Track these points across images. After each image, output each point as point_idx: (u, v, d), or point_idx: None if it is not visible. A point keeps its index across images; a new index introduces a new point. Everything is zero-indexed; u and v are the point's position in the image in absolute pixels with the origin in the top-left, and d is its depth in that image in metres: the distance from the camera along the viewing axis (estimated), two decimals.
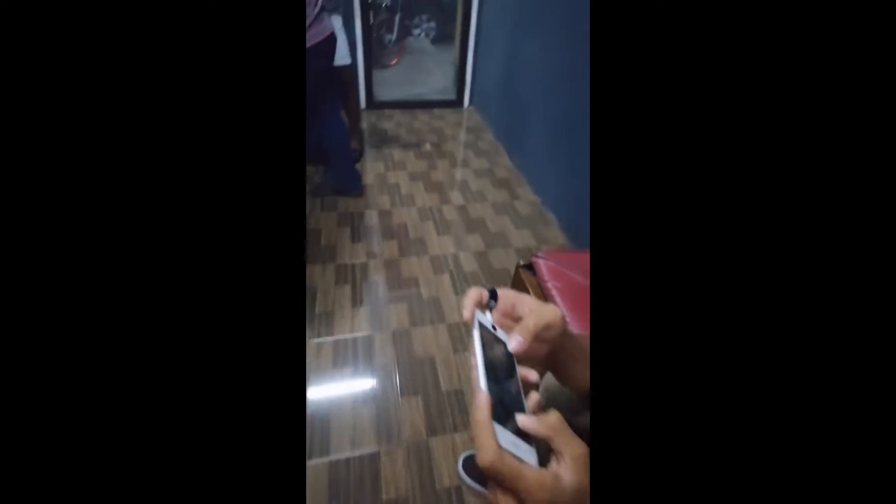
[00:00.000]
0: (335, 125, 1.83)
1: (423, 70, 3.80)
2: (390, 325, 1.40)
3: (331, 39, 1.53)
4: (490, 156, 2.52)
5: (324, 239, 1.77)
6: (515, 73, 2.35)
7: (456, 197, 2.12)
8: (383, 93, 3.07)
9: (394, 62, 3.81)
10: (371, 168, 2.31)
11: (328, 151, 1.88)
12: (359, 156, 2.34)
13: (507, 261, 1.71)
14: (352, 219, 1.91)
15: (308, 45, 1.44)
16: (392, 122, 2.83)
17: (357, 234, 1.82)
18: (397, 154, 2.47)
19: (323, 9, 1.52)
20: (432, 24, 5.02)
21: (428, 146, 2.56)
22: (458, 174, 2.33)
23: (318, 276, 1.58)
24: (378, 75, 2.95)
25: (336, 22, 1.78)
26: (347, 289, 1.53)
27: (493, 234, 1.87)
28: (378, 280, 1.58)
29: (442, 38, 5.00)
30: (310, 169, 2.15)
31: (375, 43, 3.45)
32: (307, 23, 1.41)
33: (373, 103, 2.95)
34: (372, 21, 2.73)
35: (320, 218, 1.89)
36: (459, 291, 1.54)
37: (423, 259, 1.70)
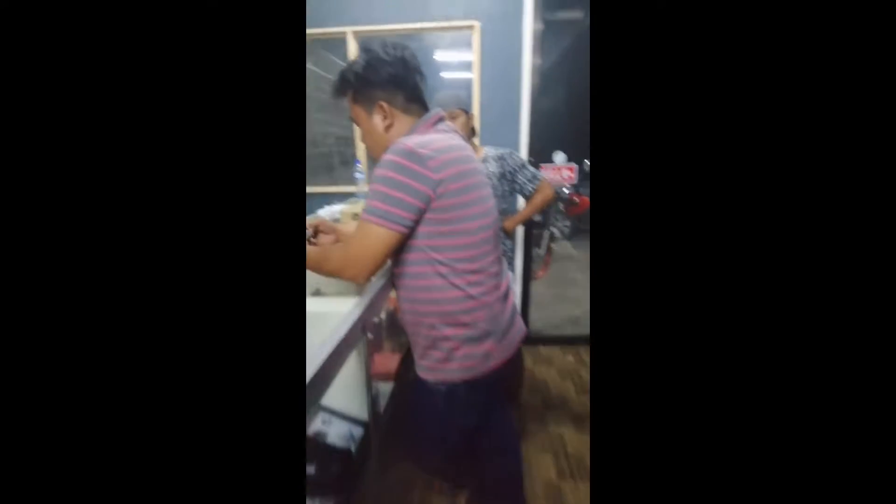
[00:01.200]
0: (508, 436, 1.18)
1: (570, 282, 3.34)
2: None
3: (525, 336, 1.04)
4: None
5: None
6: None
7: None
8: (536, 317, 2.54)
9: (541, 274, 3.46)
10: (537, 465, 1.54)
11: (492, 475, 1.18)
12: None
13: None
14: None
15: (502, 359, 0.93)
16: (552, 371, 2.17)
17: None
18: (570, 439, 1.69)
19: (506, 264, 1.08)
20: (567, 223, 4.90)
21: None
22: None
23: None
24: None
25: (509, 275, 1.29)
26: None
27: None
28: None
29: (577, 233, 4.78)
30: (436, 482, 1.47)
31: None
32: (500, 334, 0.93)
33: (527, 337, 2.39)
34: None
35: None
36: None
37: None
